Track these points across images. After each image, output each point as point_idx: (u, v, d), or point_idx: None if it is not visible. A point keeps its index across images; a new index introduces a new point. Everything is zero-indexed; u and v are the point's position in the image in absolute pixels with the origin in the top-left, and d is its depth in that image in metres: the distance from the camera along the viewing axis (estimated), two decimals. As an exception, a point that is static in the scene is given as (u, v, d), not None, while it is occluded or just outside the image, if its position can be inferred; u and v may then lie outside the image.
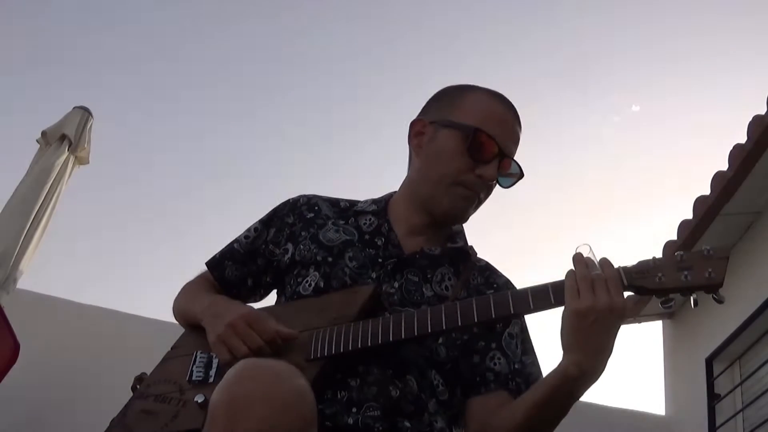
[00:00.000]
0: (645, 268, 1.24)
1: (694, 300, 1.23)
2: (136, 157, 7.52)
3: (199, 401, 1.31)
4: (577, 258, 1.25)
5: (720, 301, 1.21)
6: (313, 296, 1.44)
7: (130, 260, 7.85)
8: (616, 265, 1.25)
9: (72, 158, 4.15)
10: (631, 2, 6.99)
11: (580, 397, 1.27)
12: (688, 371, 4.56)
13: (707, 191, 3.99)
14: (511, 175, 1.51)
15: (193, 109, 7.68)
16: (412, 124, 1.57)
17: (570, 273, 1.24)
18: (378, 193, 1.64)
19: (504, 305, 1.28)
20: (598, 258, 1.26)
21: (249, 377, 1.05)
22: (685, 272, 1.21)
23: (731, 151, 3.76)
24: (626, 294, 1.24)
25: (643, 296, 1.26)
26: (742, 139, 3.67)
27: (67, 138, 4.08)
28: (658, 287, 1.22)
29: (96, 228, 7.52)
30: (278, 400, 1.02)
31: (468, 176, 1.47)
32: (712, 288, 1.20)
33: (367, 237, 1.52)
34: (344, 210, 1.60)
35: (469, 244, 1.60)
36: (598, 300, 1.19)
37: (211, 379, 1.38)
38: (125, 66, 7.45)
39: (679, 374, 4.78)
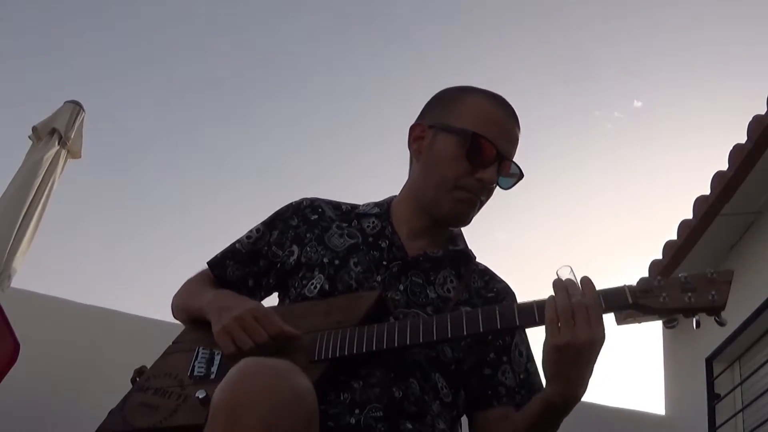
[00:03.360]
0: (649, 287, 1.25)
1: (696, 321, 1.24)
2: (129, 151, 7.51)
3: (200, 397, 1.30)
4: (557, 284, 1.25)
5: (722, 324, 1.22)
6: (318, 299, 1.45)
7: (125, 255, 7.85)
8: (598, 287, 1.25)
9: (64, 152, 4.13)
10: (631, 2, 7.00)
11: (567, 414, 1.30)
12: (688, 371, 4.55)
13: (707, 191, 3.99)
14: (511, 176, 1.52)
15: (187, 102, 7.66)
16: (412, 129, 1.57)
17: (550, 302, 1.24)
18: (379, 196, 1.65)
19: (509, 317, 1.29)
20: (579, 279, 1.25)
21: (251, 375, 1.04)
22: (689, 294, 1.22)
23: (731, 151, 3.76)
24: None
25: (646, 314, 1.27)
26: (742, 139, 3.67)
27: (57, 132, 4.07)
28: (661, 307, 1.23)
29: (90, 222, 7.50)
30: (279, 398, 1.01)
31: (468, 180, 1.47)
32: (715, 311, 1.22)
33: (370, 239, 1.53)
34: (346, 213, 1.61)
35: (469, 247, 1.61)
36: (578, 336, 1.19)
37: (212, 376, 1.38)
38: (117, 59, 7.45)
39: (679, 374, 4.78)
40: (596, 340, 1.20)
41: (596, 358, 1.23)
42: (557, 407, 1.28)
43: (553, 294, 1.25)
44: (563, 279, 1.26)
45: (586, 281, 1.25)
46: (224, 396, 1.03)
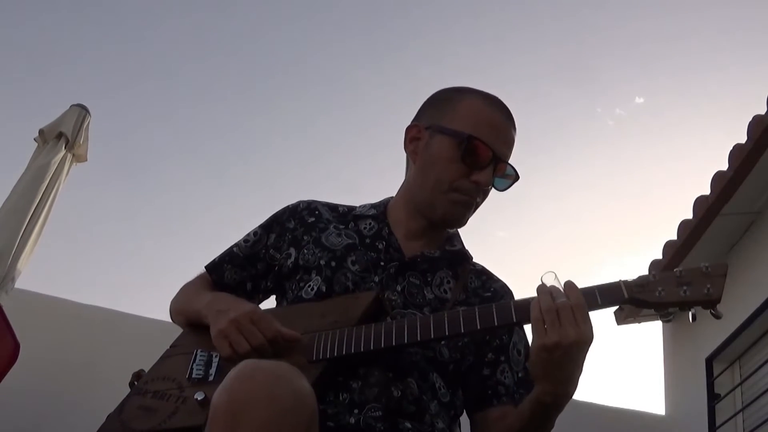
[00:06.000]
0: (645, 281, 1.27)
1: (692, 314, 1.26)
2: (134, 155, 7.53)
3: (199, 399, 1.31)
4: (541, 288, 1.26)
5: (717, 317, 1.24)
6: (315, 300, 1.45)
7: (129, 258, 7.85)
8: (581, 286, 1.26)
9: (69, 156, 4.13)
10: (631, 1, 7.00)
11: (560, 412, 1.31)
12: (688, 371, 4.56)
13: (707, 191, 3.99)
14: (507, 177, 1.53)
15: (192, 105, 7.68)
16: (408, 130, 1.58)
17: (534, 304, 1.24)
18: (378, 197, 1.65)
19: (506, 314, 1.30)
20: (563, 284, 1.26)
21: (250, 378, 1.05)
22: (684, 287, 1.24)
23: (731, 151, 3.76)
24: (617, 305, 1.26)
25: (642, 309, 1.28)
26: (742, 139, 3.67)
27: (64, 136, 4.07)
28: (657, 301, 1.25)
29: (94, 226, 7.52)
30: (279, 401, 1.02)
31: (463, 182, 1.48)
32: (710, 304, 1.23)
33: (368, 240, 1.53)
34: (343, 215, 1.61)
35: (466, 247, 1.61)
36: (565, 335, 1.20)
37: (211, 378, 1.38)
38: (123, 63, 7.45)
39: (679, 374, 4.78)
40: (584, 339, 1.21)
41: (584, 357, 1.24)
42: (548, 406, 1.28)
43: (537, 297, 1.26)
44: (548, 285, 1.26)
45: (570, 285, 1.26)
46: (223, 400, 1.03)
